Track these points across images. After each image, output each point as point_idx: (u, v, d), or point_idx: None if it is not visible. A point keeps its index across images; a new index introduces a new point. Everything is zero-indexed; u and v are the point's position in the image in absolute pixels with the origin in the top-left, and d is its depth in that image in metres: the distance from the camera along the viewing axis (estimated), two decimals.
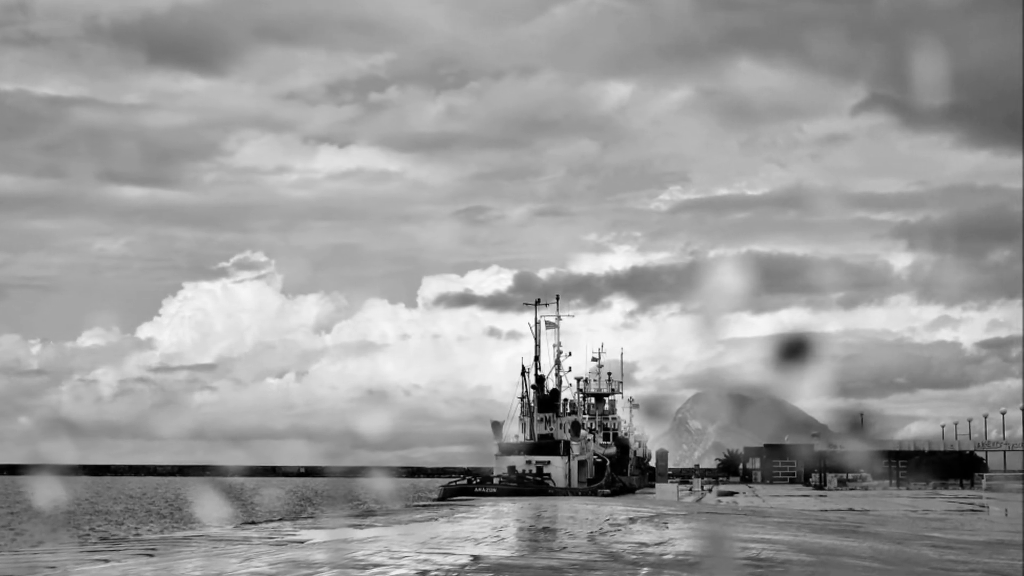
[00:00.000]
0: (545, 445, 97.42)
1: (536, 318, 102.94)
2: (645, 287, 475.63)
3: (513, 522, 46.84)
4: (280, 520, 54.74)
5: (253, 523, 49.82)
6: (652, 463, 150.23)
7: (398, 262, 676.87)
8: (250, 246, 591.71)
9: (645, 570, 25.66)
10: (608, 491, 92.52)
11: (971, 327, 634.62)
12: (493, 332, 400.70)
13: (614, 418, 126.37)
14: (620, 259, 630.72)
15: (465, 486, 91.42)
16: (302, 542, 33.53)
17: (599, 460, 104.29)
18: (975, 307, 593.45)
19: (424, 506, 68.04)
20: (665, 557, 29.05)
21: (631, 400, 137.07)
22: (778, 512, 63.28)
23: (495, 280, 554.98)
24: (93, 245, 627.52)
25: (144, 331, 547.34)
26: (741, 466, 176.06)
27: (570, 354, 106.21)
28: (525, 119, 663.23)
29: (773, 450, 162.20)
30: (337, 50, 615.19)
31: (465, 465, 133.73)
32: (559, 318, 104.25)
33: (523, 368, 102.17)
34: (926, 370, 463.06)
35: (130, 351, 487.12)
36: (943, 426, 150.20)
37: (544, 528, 42.14)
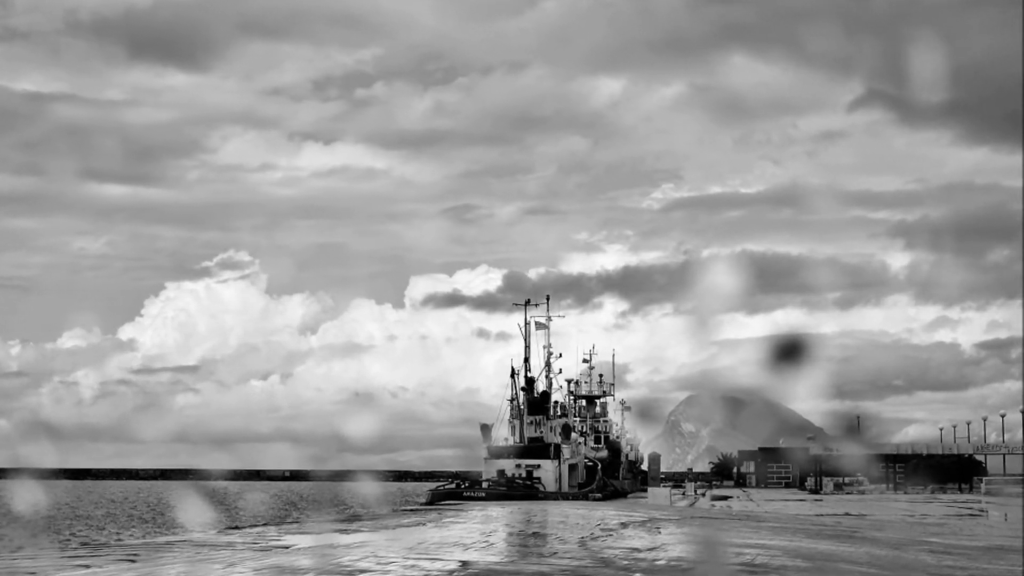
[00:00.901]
0: (535, 448, 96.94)
1: (526, 319, 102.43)
2: (637, 287, 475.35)
3: (502, 527, 46.39)
4: (264, 525, 54.36)
5: (237, 528, 49.33)
6: (644, 467, 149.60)
7: (385, 261, 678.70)
8: (234, 245, 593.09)
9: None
10: (599, 495, 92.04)
11: (970, 328, 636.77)
12: (482, 333, 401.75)
13: (605, 421, 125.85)
14: (611, 258, 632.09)
15: (453, 490, 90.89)
16: (287, 547, 33.25)
17: (590, 464, 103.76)
18: (974, 307, 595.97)
19: (412, 510, 67.43)
20: (658, 563, 28.82)
21: (623, 402, 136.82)
22: (773, 517, 63.06)
23: (484, 280, 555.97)
24: (73, 244, 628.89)
25: (125, 332, 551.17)
26: (735, 470, 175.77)
27: (560, 355, 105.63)
28: (514, 115, 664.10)
29: (768, 453, 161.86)
30: (322, 45, 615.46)
31: (453, 469, 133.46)
32: (549, 319, 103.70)
33: (512, 370, 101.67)
34: (924, 372, 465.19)
35: (111, 352, 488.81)
36: (941, 429, 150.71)
37: (534, 533, 41.79)
